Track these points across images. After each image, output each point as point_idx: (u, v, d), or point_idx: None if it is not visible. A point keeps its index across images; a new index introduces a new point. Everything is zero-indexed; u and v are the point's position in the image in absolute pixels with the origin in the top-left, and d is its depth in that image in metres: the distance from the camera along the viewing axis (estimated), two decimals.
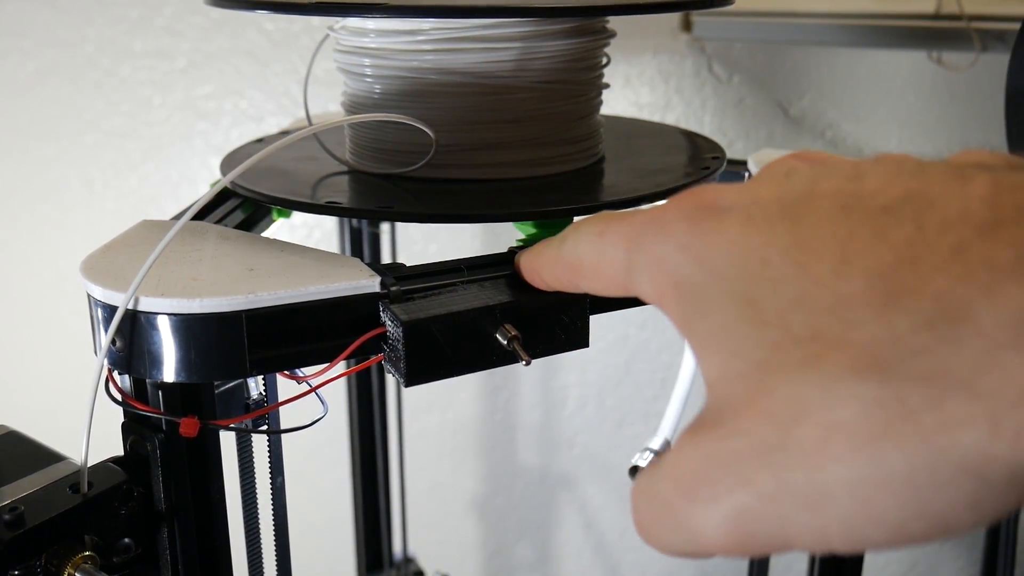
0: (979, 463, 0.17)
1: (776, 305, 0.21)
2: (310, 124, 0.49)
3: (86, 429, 0.35)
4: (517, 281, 0.37)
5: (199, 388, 0.37)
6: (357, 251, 0.79)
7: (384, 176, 0.50)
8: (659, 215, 0.25)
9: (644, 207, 0.26)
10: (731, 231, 0.22)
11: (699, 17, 1.01)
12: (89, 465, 0.36)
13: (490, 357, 0.35)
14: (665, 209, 0.25)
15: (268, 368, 0.35)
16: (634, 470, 0.25)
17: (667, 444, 0.50)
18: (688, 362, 0.54)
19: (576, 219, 0.39)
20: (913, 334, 0.18)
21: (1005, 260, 0.18)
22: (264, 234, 0.48)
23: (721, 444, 0.21)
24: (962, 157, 0.23)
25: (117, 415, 0.38)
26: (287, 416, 0.41)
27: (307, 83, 0.58)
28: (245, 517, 0.45)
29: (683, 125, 0.66)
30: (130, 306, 0.34)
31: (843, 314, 0.19)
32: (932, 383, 0.18)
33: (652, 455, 0.48)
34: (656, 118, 1.05)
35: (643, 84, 1.04)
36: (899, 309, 0.19)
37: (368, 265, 0.37)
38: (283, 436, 0.43)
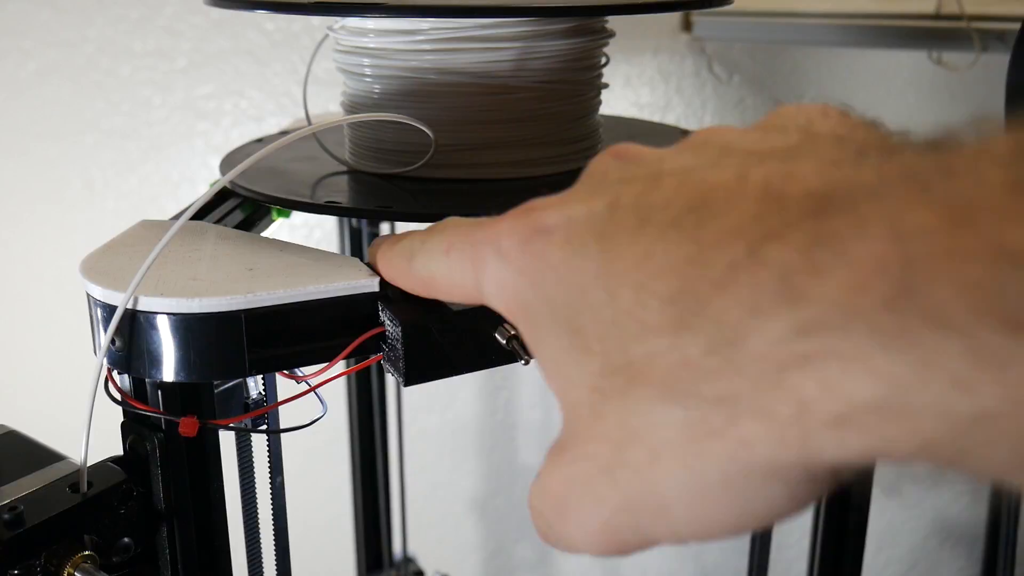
0: (779, 470, 0.19)
1: (596, 332, 0.22)
2: (310, 124, 0.49)
3: (86, 429, 0.35)
4: None
5: (198, 388, 0.37)
6: (357, 251, 0.79)
7: (383, 176, 0.50)
8: (495, 235, 0.25)
9: (485, 219, 0.27)
10: (554, 255, 0.23)
11: (699, 17, 1.01)
12: (89, 465, 0.36)
13: (489, 357, 0.35)
14: (500, 230, 0.25)
15: (267, 368, 0.35)
16: None
17: None
18: None
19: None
20: (703, 358, 0.20)
21: (767, 282, 0.18)
22: (264, 234, 0.48)
23: (574, 467, 0.23)
24: (772, 120, 0.24)
25: (117, 415, 0.38)
26: (287, 416, 0.41)
27: (307, 83, 0.58)
28: (245, 517, 0.45)
29: (683, 125, 0.66)
30: (129, 306, 0.34)
31: (646, 341, 0.21)
32: (725, 405, 0.19)
33: None
34: (656, 118, 1.05)
35: (643, 84, 1.04)
36: (687, 335, 0.20)
37: (367, 265, 0.37)
38: (283, 436, 0.43)
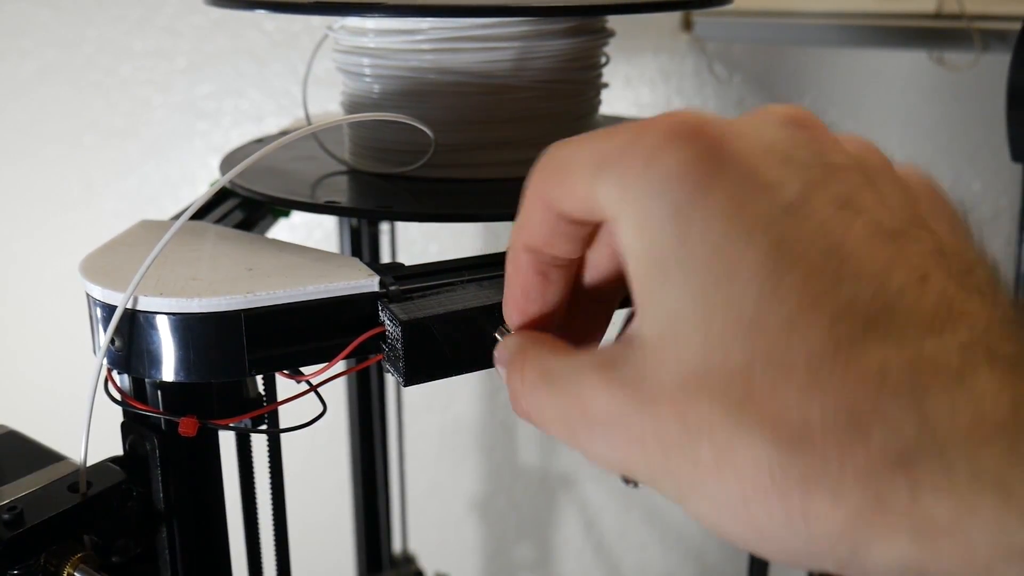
0: None
1: (733, 323, 0.23)
2: (310, 124, 0.49)
3: (85, 429, 0.35)
4: None
5: (198, 388, 0.37)
6: (357, 251, 0.79)
7: (383, 176, 0.50)
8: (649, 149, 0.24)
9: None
10: (717, 214, 0.23)
11: (699, 17, 1.01)
12: (88, 465, 0.36)
13: (489, 357, 0.35)
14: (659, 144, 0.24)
15: (267, 368, 0.35)
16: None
17: None
18: None
19: None
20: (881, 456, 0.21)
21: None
22: (264, 234, 0.48)
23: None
24: (847, 160, 0.25)
25: (116, 415, 0.38)
26: (287, 416, 0.41)
27: (306, 83, 0.58)
28: (245, 517, 0.45)
29: None
30: (129, 306, 0.34)
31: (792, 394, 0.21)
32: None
33: None
34: None
35: (643, 84, 1.04)
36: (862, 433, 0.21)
37: (367, 265, 0.37)
38: (283, 436, 0.43)
